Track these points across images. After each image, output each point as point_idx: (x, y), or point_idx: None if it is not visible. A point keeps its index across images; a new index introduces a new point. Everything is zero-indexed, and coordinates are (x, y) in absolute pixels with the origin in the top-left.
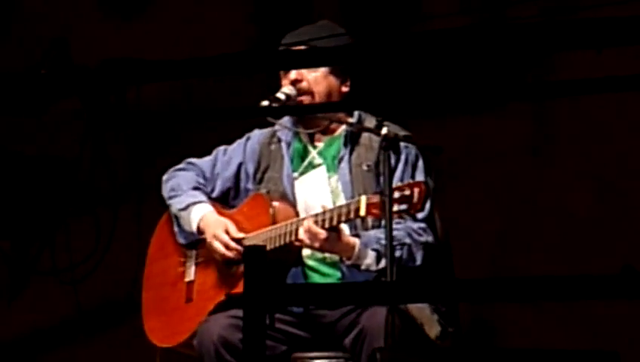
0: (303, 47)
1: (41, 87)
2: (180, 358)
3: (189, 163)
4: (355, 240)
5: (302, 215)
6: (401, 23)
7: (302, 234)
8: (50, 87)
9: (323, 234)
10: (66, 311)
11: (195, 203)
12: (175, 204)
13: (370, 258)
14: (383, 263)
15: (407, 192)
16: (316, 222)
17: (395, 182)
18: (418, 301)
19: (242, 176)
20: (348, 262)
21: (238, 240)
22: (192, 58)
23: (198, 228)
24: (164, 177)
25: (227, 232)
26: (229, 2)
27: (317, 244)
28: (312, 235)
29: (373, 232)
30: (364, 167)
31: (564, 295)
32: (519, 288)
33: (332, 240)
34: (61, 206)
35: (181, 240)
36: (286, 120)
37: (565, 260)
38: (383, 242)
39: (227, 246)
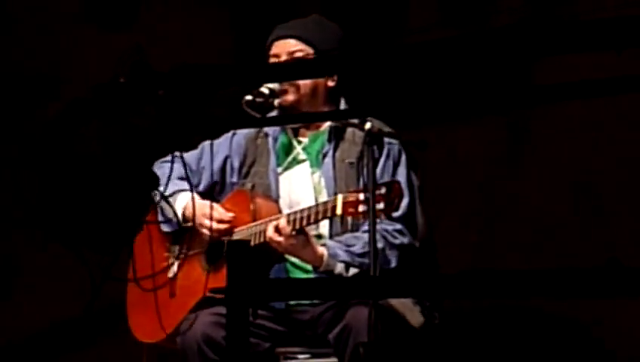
0: (292, 41)
1: (122, 95)
2: (168, 354)
3: (175, 155)
4: (323, 251)
5: (285, 211)
6: (385, 33)
7: (270, 233)
8: (131, 95)
9: (288, 234)
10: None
11: (180, 191)
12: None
13: (339, 267)
14: (352, 271)
15: (382, 191)
16: (293, 221)
17: (376, 178)
18: (401, 296)
19: (228, 170)
20: (319, 270)
21: (228, 216)
22: (266, 63)
23: (184, 215)
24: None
25: (213, 209)
26: (211, 16)
27: (282, 245)
28: (280, 235)
29: (344, 238)
30: (347, 163)
31: (549, 290)
32: (503, 283)
33: (298, 244)
34: (138, 210)
35: (166, 229)
36: (272, 114)
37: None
38: (354, 249)
39: (219, 221)
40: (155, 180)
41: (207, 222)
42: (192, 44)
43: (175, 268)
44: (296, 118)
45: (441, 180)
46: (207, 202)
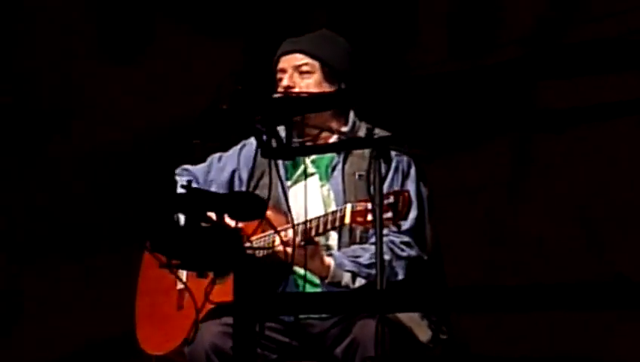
0: (298, 55)
1: (223, 122)
2: None
3: (184, 169)
4: (330, 261)
5: None
6: (394, 52)
7: (277, 244)
8: (232, 121)
9: (297, 245)
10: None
11: None
12: None
13: (346, 278)
14: (359, 282)
15: (391, 200)
16: (302, 231)
17: (384, 190)
18: (408, 310)
19: (236, 182)
20: (326, 281)
21: None
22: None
23: None
24: None
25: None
26: (224, 44)
27: (289, 256)
28: (287, 246)
29: (352, 249)
30: (357, 176)
31: (558, 304)
32: (510, 297)
33: (307, 254)
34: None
35: None
36: (280, 129)
37: (546, 318)
38: (360, 260)
39: None
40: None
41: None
42: (206, 73)
43: (184, 279)
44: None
45: (446, 206)
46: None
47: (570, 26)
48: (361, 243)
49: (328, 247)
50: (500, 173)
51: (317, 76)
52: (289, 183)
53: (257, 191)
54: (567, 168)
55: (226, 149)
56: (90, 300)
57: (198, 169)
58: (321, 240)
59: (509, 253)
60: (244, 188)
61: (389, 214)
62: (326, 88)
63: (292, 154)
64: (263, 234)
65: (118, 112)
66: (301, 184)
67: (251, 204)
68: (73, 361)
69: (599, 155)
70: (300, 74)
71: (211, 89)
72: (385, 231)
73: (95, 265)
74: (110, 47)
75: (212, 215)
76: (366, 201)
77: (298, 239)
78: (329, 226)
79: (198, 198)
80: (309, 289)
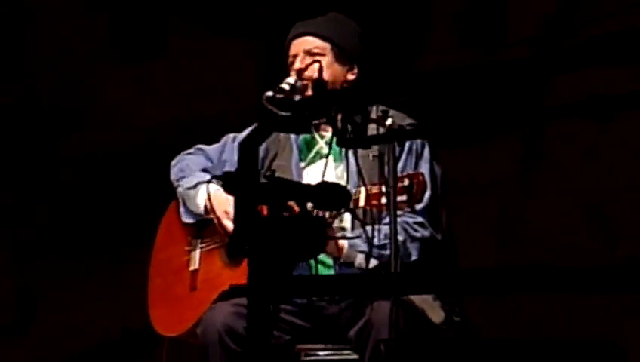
0: (309, 38)
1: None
2: (188, 349)
3: (198, 148)
4: (344, 243)
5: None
6: (403, 56)
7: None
8: (312, 111)
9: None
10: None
11: (202, 182)
12: (183, 184)
13: (359, 258)
14: (372, 262)
15: (406, 183)
16: (314, 214)
17: (398, 171)
18: (422, 292)
19: None
20: (339, 261)
21: None
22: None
23: (205, 206)
24: (172, 162)
25: None
26: (241, 49)
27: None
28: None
29: (363, 232)
30: (371, 157)
31: (572, 286)
32: (524, 278)
33: None
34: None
35: (187, 220)
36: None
37: (559, 302)
38: (374, 241)
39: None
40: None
41: (225, 222)
42: (218, 72)
43: (197, 261)
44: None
45: (457, 201)
46: (230, 198)
47: (579, 24)
48: (374, 223)
49: (342, 229)
50: (512, 168)
51: (328, 58)
52: (303, 164)
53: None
54: (578, 163)
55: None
56: (101, 297)
57: (212, 149)
58: (334, 221)
59: (520, 247)
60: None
61: (404, 197)
62: (337, 69)
63: (367, 143)
64: None
65: (128, 113)
66: (315, 165)
67: (336, 193)
68: (86, 359)
69: (611, 150)
70: (311, 56)
71: (224, 89)
72: (399, 212)
73: (108, 263)
74: (121, 47)
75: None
76: (380, 184)
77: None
78: (343, 208)
79: (281, 188)
80: (321, 270)
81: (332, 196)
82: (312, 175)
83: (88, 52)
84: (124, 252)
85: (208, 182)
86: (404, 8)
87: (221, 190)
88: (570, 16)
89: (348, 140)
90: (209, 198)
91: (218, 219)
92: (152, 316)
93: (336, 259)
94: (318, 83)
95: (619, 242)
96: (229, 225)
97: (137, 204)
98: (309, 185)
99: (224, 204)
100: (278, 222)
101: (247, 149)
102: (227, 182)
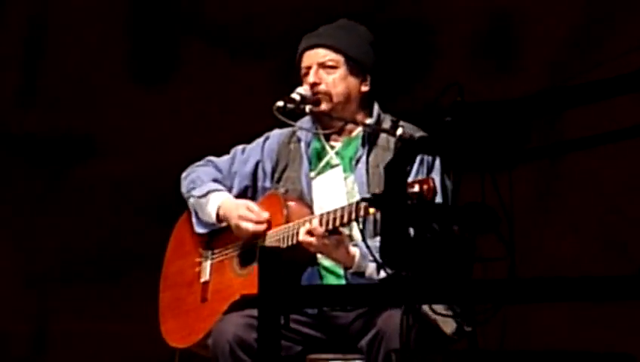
0: (320, 50)
1: (449, 133)
2: (199, 361)
3: (208, 160)
4: (355, 251)
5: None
6: (409, 79)
7: (302, 235)
8: (454, 133)
9: (322, 234)
10: None
11: (214, 190)
12: (194, 193)
13: (370, 268)
14: (383, 273)
15: (416, 189)
16: (326, 222)
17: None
18: (434, 302)
19: (260, 174)
20: (350, 271)
21: (264, 216)
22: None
23: (217, 214)
24: (183, 174)
25: (250, 210)
26: (258, 73)
27: (314, 246)
28: (312, 236)
29: (377, 240)
30: (381, 168)
31: (585, 295)
32: (538, 289)
33: (332, 244)
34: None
35: (200, 230)
36: (305, 120)
37: (570, 314)
38: None
39: (257, 222)
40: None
41: (243, 224)
42: (235, 96)
43: (207, 272)
44: None
45: None
46: (243, 202)
47: (591, 51)
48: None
49: (351, 238)
50: (524, 191)
51: (342, 70)
52: (313, 174)
53: (282, 183)
54: (592, 186)
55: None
56: (118, 325)
57: (222, 161)
58: (344, 230)
59: (533, 271)
60: (268, 180)
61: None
62: (351, 82)
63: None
64: (286, 226)
65: (142, 138)
66: (325, 175)
67: (484, 215)
68: None
69: (627, 178)
70: (324, 69)
71: (241, 113)
72: None
73: (120, 289)
74: (137, 71)
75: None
76: None
77: (323, 229)
78: (353, 216)
79: (428, 210)
80: (332, 280)
81: (479, 218)
82: (321, 185)
83: (103, 78)
84: (136, 278)
85: (221, 190)
86: (412, 32)
87: (230, 197)
88: (583, 43)
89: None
90: (221, 206)
91: (236, 225)
92: (163, 328)
93: (346, 269)
94: (459, 102)
95: (635, 265)
96: (249, 226)
97: (151, 230)
98: (456, 207)
99: (236, 208)
100: (426, 243)
101: (392, 171)
102: (374, 202)
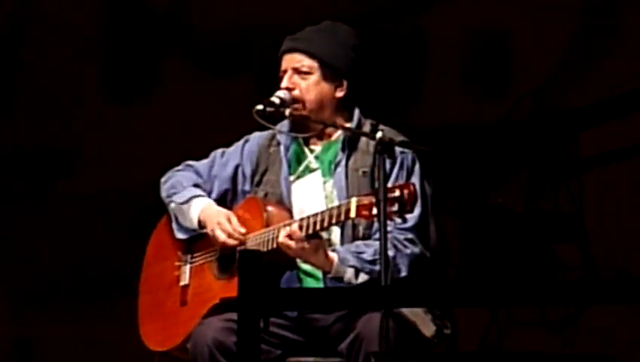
0: (297, 55)
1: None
2: None
3: (187, 165)
4: (334, 256)
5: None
6: (400, 104)
7: (281, 238)
8: (531, 142)
9: (301, 239)
10: None
11: (196, 196)
12: (176, 199)
13: (349, 273)
14: (362, 277)
15: (397, 193)
16: (306, 226)
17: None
18: (412, 305)
19: (239, 178)
20: (329, 276)
21: (240, 232)
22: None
23: (199, 220)
24: (162, 179)
25: (229, 221)
26: (235, 90)
27: (293, 250)
28: (291, 239)
29: (355, 245)
30: (360, 173)
31: (563, 299)
32: (519, 292)
33: (311, 248)
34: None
35: (180, 236)
36: (284, 123)
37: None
38: (364, 256)
39: (230, 235)
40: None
41: (217, 232)
42: (212, 113)
43: (187, 276)
44: None
45: None
46: (225, 211)
47: (583, 71)
48: (363, 239)
49: (330, 243)
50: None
51: (315, 76)
52: (292, 178)
53: (261, 186)
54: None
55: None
56: (104, 343)
57: (202, 164)
58: (323, 235)
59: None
60: (247, 184)
61: (395, 207)
62: (324, 88)
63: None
64: (265, 230)
65: (123, 154)
66: (304, 179)
67: (569, 225)
68: None
69: (618, 199)
70: (299, 75)
71: (220, 128)
72: (389, 228)
73: (106, 309)
74: (115, 86)
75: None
76: (371, 195)
77: (302, 233)
78: (334, 220)
79: (508, 217)
80: (311, 283)
81: (564, 227)
82: (300, 189)
83: (80, 92)
84: (122, 298)
85: (203, 195)
86: (404, 54)
87: (213, 203)
88: (575, 63)
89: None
90: (202, 211)
91: (212, 230)
92: (143, 331)
93: (325, 273)
94: (537, 111)
95: None
96: (221, 235)
97: (131, 244)
98: (541, 213)
99: (217, 215)
100: (507, 252)
101: (471, 180)
102: (454, 209)
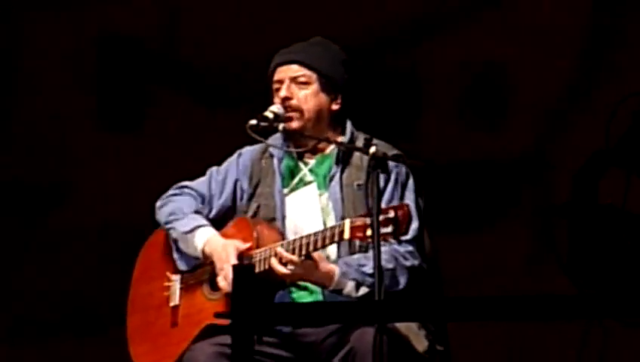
0: (294, 66)
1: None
2: None
3: (184, 187)
4: (334, 269)
5: (290, 232)
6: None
7: (273, 263)
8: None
9: (295, 261)
10: None
11: (199, 226)
12: (178, 227)
13: (349, 286)
14: (362, 291)
15: (391, 215)
16: (299, 247)
17: (384, 203)
18: (406, 320)
19: (238, 193)
20: (328, 289)
21: None
22: None
23: (203, 251)
24: (158, 203)
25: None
26: (229, 120)
27: (289, 273)
28: (284, 264)
29: (356, 258)
30: (355, 187)
31: (549, 314)
32: (505, 307)
33: (307, 268)
34: None
35: (182, 267)
36: (276, 137)
37: None
38: (365, 269)
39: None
40: None
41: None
42: (202, 143)
43: (177, 297)
44: None
45: (463, 285)
46: (230, 242)
47: (582, 106)
48: (360, 252)
49: (328, 258)
50: (519, 251)
51: (314, 87)
52: (286, 191)
53: (254, 199)
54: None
55: None
56: None
57: (198, 184)
58: (321, 251)
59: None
60: (245, 197)
61: (390, 229)
62: (322, 99)
63: None
64: (258, 251)
65: (118, 184)
66: (299, 192)
67: None
68: None
69: None
70: (297, 85)
71: (213, 160)
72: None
73: (97, 343)
74: (109, 119)
75: None
76: (365, 216)
77: (296, 257)
78: (327, 241)
79: (618, 222)
80: (307, 297)
81: None
82: (295, 202)
83: (73, 125)
84: (118, 331)
85: (207, 225)
86: (400, 87)
87: (217, 235)
88: (573, 98)
89: None
90: (207, 243)
91: (221, 269)
92: (133, 353)
93: (325, 286)
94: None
95: None
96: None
97: (125, 276)
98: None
99: (224, 251)
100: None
101: (581, 181)
102: (564, 209)
